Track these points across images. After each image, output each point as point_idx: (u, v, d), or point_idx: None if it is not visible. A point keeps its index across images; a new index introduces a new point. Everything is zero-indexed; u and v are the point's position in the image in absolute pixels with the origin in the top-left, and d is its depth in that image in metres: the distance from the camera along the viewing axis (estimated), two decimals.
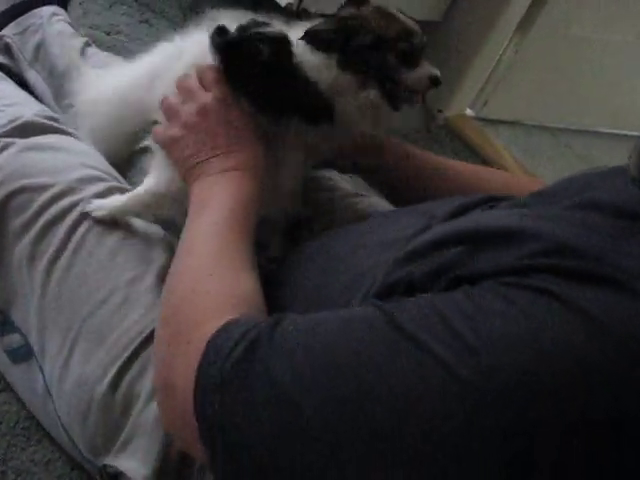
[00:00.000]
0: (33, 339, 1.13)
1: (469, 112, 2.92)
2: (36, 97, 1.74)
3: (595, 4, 2.74)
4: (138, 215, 1.18)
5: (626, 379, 0.60)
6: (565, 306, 0.63)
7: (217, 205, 1.01)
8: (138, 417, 1.00)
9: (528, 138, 3.03)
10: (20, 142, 1.22)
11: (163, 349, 0.87)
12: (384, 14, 1.18)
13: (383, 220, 1.13)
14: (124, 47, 2.18)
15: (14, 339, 1.17)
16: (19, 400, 1.22)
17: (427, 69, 1.21)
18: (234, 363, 0.72)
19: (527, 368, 0.61)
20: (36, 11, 1.84)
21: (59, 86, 1.72)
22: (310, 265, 1.03)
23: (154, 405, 0.99)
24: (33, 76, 1.77)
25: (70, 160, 1.24)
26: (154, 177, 1.17)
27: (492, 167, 2.66)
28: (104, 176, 1.24)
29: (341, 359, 0.68)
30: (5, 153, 1.20)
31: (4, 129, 1.24)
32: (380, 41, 1.14)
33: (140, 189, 1.17)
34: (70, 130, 1.35)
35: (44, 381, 1.12)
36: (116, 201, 1.15)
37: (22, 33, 1.81)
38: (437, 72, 1.22)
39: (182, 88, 1.15)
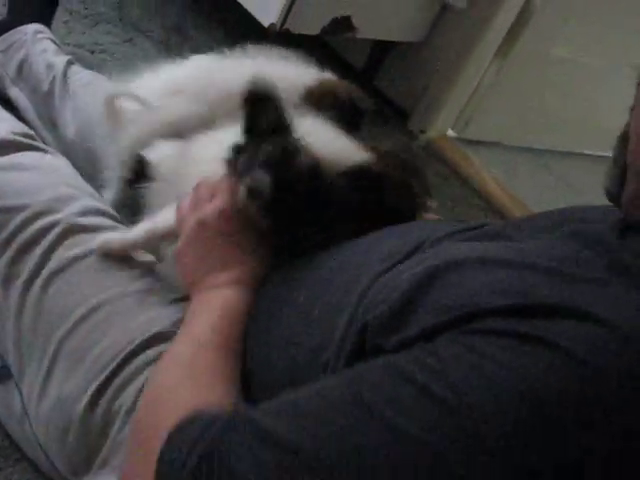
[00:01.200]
0: (11, 360, 1.12)
1: (451, 133, 2.93)
2: (18, 114, 1.75)
3: (576, 27, 2.77)
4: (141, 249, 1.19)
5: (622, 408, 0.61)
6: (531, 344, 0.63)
7: (202, 321, 0.98)
8: (117, 434, 1.00)
9: (509, 159, 3.04)
10: None
11: (129, 455, 0.88)
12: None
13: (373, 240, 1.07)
14: (107, 66, 2.18)
15: None
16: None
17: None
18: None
19: (519, 417, 0.61)
20: (20, 28, 1.85)
21: (42, 103, 1.73)
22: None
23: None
24: (16, 93, 1.78)
25: (44, 179, 1.24)
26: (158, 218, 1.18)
27: (473, 188, 2.69)
28: (78, 194, 1.24)
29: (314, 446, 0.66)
30: None
31: None
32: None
33: (141, 228, 1.17)
34: (43, 146, 1.35)
35: (21, 402, 1.11)
36: (119, 237, 1.16)
37: (5, 50, 1.82)
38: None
39: (193, 196, 1.10)
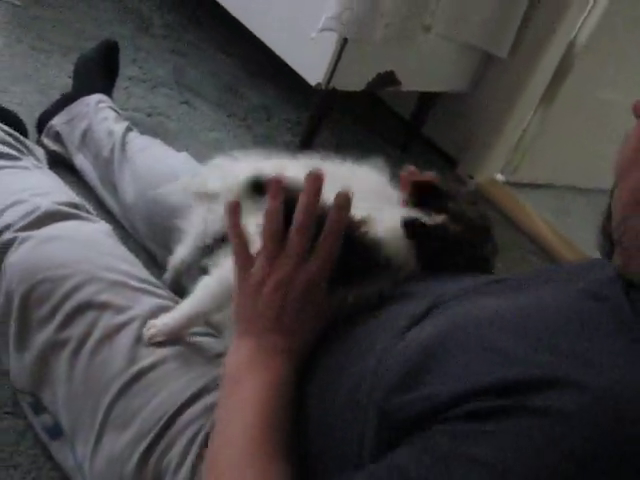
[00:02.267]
0: (63, 421, 1.18)
1: (499, 177, 2.97)
2: (84, 179, 1.87)
3: (617, 69, 2.79)
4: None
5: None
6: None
7: (251, 389, 0.95)
8: None
9: (559, 200, 3.05)
10: (37, 235, 1.28)
11: None
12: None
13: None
14: (164, 128, 2.28)
15: (47, 418, 1.23)
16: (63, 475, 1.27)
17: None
18: None
19: None
20: (83, 99, 1.96)
21: (103, 169, 1.82)
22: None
23: (180, 477, 1.04)
24: (80, 160, 1.89)
25: (85, 249, 1.30)
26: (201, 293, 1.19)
27: (524, 231, 2.71)
28: (115, 263, 1.29)
29: None
30: (23, 247, 1.26)
31: (25, 221, 1.31)
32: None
33: (186, 306, 1.19)
34: (85, 215, 1.41)
35: (74, 459, 1.17)
36: (168, 320, 1.18)
37: (70, 121, 1.92)
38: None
39: (266, 251, 1.02)
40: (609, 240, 0.84)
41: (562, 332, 0.76)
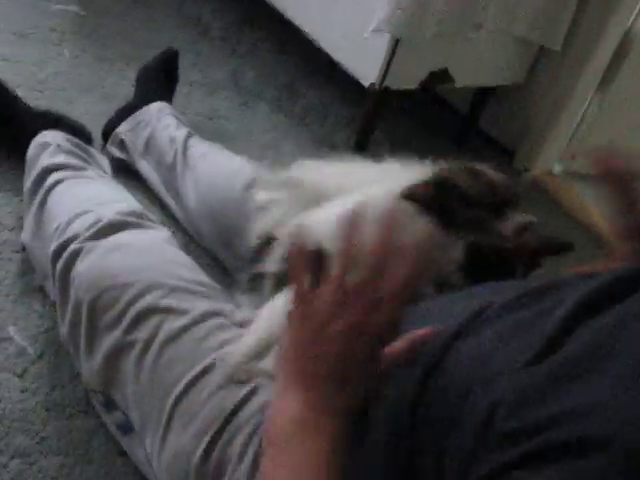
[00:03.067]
0: (133, 417, 1.24)
1: (557, 168, 2.95)
2: (147, 185, 1.94)
3: None
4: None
5: None
6: None
7: (303, 456, 0.79)
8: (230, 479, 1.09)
9: None
10: (103, 244, 1.35)
11: None
12: (470, 172, 1.26)
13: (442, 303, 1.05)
14: (224, 130, 2.33)
15: (119, 415, 1.30)
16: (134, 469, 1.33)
17: (517, 219, 1.20)
18: None
19: None
20: (145, 108, 2.02)
21: (166, 174, 1.88)
22: None
23: (242, 467, 1.07)
24: (144, 166, 1.95)
25: (147, 257, 1.36)
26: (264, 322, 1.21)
27: (580, 221, 2.69)
28: (177, 268, 1.35)
29: None
30: (89, 257, 1.33)
31: (90, 231, 1.37)
32: (468, 198, 1.21)
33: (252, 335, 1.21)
34: (148, 223, 1.47)
35: (144, 451, 1.23)
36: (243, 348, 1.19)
37: (133, 129, 1.98)
38: (528, 219, 1.21)
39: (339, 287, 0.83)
40: None
41: None
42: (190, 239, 1.84)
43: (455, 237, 1.21)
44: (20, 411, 1.36)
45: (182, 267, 1.37)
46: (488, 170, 1.28)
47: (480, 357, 0.81)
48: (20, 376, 1.42)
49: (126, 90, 2.21)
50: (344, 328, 0.81)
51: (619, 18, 2.59)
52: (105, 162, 1.82)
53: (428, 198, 1.22)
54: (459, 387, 0.79)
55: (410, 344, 0.85)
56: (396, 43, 2.21)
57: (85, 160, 1.70)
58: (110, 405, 1.32)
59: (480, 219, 1.22)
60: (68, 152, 1.68)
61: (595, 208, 2.77)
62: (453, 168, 1.28)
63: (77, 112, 2.08)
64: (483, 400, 0.73)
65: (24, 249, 1.64)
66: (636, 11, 2.61)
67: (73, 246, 1.37)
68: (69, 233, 1.40)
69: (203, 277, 1.38)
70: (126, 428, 1.29)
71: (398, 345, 0.85)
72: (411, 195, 1.22)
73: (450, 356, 0.84)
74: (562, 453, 0.63)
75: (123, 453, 1.35)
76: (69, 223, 1.42)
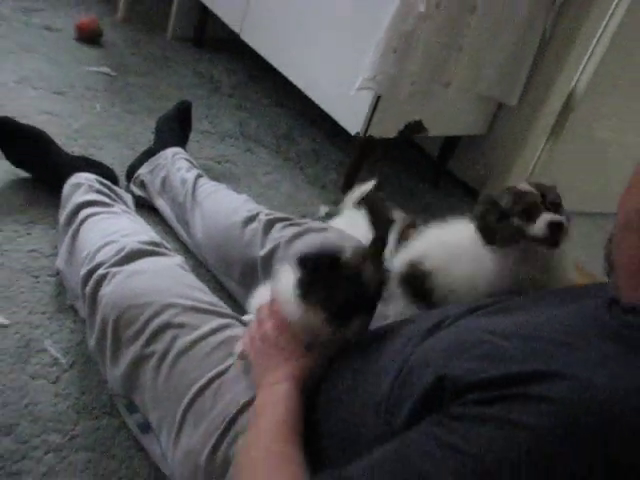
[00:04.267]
0: (151, 419, 1.25)
1: None
2: (164, 218, 1.95)
3: (614, 112, 2.78)
4: None
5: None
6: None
7: (269, 414, 1.01)
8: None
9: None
10: (126, 269, 1.37)
11: None
12: (509, 189, 1.28)
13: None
14: (231, 172, 2.34)
15: (139, 416, 1.30)
16: (152, 463, 1.33)
17: (545, 218, 1.22)
18: None
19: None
20: (162, 153, 2.04)
21: (179, 211, 1.89)
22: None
23: None
24: (161, 204, 1.96)
25: (163, 280, 1.37)
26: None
27: None
28: (188, 291, 1.35)
29: None
30: (114, 280, 1.35)
31: (115, 259, 1.39)
32: (504, 211, 1.24)
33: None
34: (164, 251, 1.49)
35: (160, 449, 1.24)
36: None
37: (152, 171, 2.00)
38: (557, 218, 1.22)
39: (257, 318, 1.19)
40: (609, 262, 0.83)
41: (556, 338, 0.76)
42: (200, 265, 1.84)
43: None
44: (53, 413, 1.36)
45: (194, 289, 1.38)
46: (527, 185, 1.28)
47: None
48: (54, 383, 1.42)
49: (148, 138, 2.23)
50: (259, 342, 1.13)
51: (565, 78, 2.61)
52: (129, 199, 1.83)
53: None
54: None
55: None
56: (378, 99, 2.23)
57: (112, 198, 1.71)
58: (131, 408, 1.32)
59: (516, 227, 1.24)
60: (97, 191, 1.69)
61: None
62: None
63: (106, 157, 2.10)
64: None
65: (58, 273, 1.64)
66: (579, 73, 2.63)
67: (101, 271, 1.38)
68: (97, 260, 1.41)
69: (211, 298, 1.38)
70: (145, 428, 1.29)
71: None
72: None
73: None
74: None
75: (142, 449, 1.35)
76: (97, 251, 1.43)
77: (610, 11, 2.48)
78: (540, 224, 1.21)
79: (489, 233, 1.26)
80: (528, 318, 0.87)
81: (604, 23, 2.50)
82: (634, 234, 0.77)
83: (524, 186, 1.27)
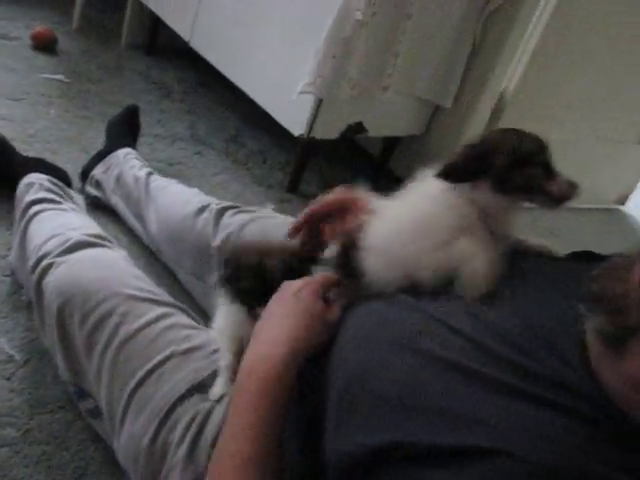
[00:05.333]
0: (101, 404, 1.22)
1: None
2: (118, 216, 1.93)
3: (547, 108, 2.82)
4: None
5: None
6: None
7: (248, 403, 0.88)
8: (171, 460, 1.07)
9: None
10: (70, 258, 1.34)
11: None
12: (512, 131, 1.00)
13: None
14: (182, 174, 2.31)
15: (89, 402, 1.27)
16: (106, 446, 1.30)
17: (565, 177, 0.99)
18: None
19: None
20: (115, 153, 2.01)
21: (133, 207, 1.87)
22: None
23: (180, 452, 1.07)
24: (116, 200, 1.93)
25: (107, 270, 1.33)
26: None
27: None
28: (132, 280, 1.32)
29: None
30: (60, 269, 1.31)
31: (60, 249, 1.36)
32: (520, 158, 0.96)
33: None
34: (109, 244, 1.46)
35: (109, 433, 1.22)
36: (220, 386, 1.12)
37: (106, 171, 1.97)
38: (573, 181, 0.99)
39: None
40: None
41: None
42: (154, 258, 1.83)
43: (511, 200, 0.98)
44: (8, 408, 1.33)
45: (137, 279, 1.35)
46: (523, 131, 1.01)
47: None
48: (8, 379, 1.39)
49: (101, 142, 2.18)
50: (288, 296, 0.98)
51: (496, 80, 2.63)
52: (80, 200, 1.81)
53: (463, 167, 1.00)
54: None
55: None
56: (319, 102, 2.23)
57: (62, 197, 1.68)
58: (81, 394, 1.29)
59: (534, 178, 0.97)
60: (48, 190, 1.66)
61: None
62: (491, 134, 1.04)
63: (60, 161, 2.05)
64: None
65: (13, 273, 1.60)
66: (508, 76, 2.66)
67: (46, 261, 1.35)
68: (43, 251, 1.38)
69: (154, 288, 1.35)
70: (95, 413, 1.27)
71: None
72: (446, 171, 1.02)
73: None
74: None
75: (95, 440, 1.33)
76: (44, 243, 1.41)
77: (536, 15, 2.50)
78: (563, 182, 0.97)
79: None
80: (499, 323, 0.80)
81: (531, 27, 2.52)
82: None
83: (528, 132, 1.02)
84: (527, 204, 0.99)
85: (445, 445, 0.68)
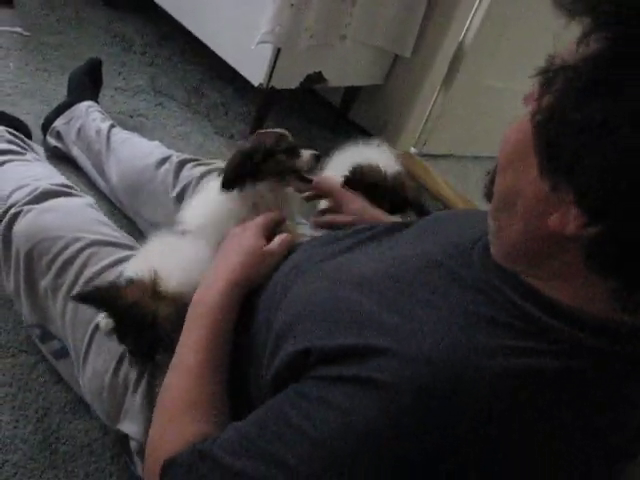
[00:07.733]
0: (67, 344, 1.25)
1: (413, 150, 3.00)
2: (79, 167, 1.93)
3: (501, 61, 2.82)
4: None
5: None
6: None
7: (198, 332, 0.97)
8: (132, 396, 1.12)
9: (461, 168, 3.07)
10: (38, 207, 1.34)
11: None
12: (261, 134, 1.35)
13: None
14: (143, 126, 2.31)
15: (54, 344, 1.30)
16: (69, 388, 1.35)
17: (307, 153, 1.33)
18: None
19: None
20: (76, 105, 2.00)
21: (94, 158, 1.88)
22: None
23: (139, 391, 1.11)
24: (76, 151, 1.94)
25: (73, 217, 1.35)
26: None
27: (432, 194, 2.74)
28: (96, 226, 1.35)
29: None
30: (28, 216, 1.32)
31: (28, 198, 1.36)
32: (268, 151, 1.30)
33: None
34: (76, 192, 1.46)
35: (74, 373, 1.25)
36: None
37: (68, 122, 1.97)
38: (315, 152, 1.34)
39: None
40: (489, 199, 0.81)
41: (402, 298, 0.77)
42: (114, 207, 1.84)
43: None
44: None
45: (102, 225, 1.38)
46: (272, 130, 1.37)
47: None
48: None
49: (62, 95, 2.17)
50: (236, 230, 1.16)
51: (454, 32, 2.66)
52: (41, 151, 1.80)
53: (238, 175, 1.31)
54: None
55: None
56: (278, 51, 2.23)
57: (24, 148, 1.66)
58: (45, 337, 1.32)
59: (279, 162, 1.32)
60: (9, 141, 1.64)
61: (445, 182, 2.83)
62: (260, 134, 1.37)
63: (20, 113, 2.04)
64: None
65: None
66: (466, 26, 2.67)
67: (14, 210, 1.36)
68: (10, 201, 1.39)
69: (118, 233, 1.38)
70: (61, 354, 1.30)
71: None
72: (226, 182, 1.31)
73: None
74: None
75: (58, 382, 1.37)
76: (10, 194, 1.41)
77: None
78: (306, 157, 1.32)
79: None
80: (399, 257, 0.88)
81: None
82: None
83: (271, 130, 1.36)
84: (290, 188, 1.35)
85: (346, 345, 0.74)
